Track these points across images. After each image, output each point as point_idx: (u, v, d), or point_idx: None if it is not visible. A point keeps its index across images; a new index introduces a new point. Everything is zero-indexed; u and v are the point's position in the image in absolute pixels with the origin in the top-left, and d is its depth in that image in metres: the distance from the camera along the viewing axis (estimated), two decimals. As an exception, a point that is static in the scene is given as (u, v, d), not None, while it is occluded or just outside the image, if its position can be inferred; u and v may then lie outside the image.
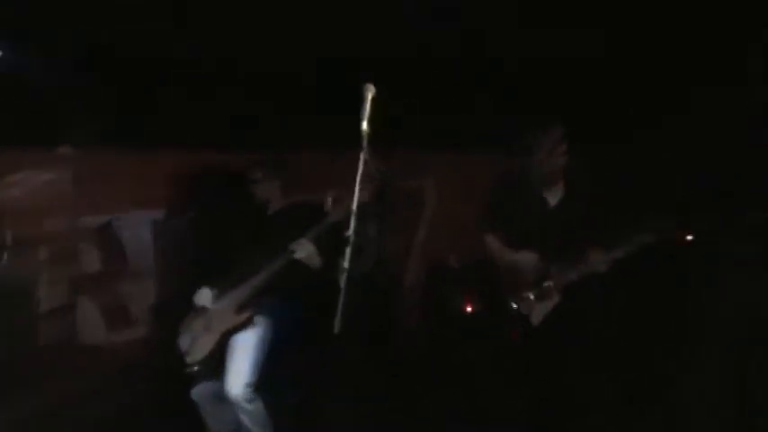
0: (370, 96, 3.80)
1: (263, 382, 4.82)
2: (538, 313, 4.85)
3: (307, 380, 5.25)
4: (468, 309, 6.26)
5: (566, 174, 4.92)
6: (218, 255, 5.20)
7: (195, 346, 4.88)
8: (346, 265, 3.77)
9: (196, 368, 4.82)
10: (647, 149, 5.81)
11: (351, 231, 3.79)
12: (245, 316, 4.88)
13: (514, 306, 4.92)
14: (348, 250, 3.77)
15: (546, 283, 4.85)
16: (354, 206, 3.84)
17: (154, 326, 6.15)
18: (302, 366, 5.23)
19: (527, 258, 4.87)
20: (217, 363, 4.85)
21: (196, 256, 5.92)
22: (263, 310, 4.95)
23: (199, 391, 4.87)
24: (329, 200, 4.93)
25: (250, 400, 4.73)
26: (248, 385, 4.75)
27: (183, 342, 4.94)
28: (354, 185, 3.87)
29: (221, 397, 4.79)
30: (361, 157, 3.80)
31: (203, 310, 5.00)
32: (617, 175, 5.21)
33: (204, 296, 5.02)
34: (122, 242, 6.19)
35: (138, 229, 6.22)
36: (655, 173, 5.69)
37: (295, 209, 5.18)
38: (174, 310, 5.14)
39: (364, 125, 3.79)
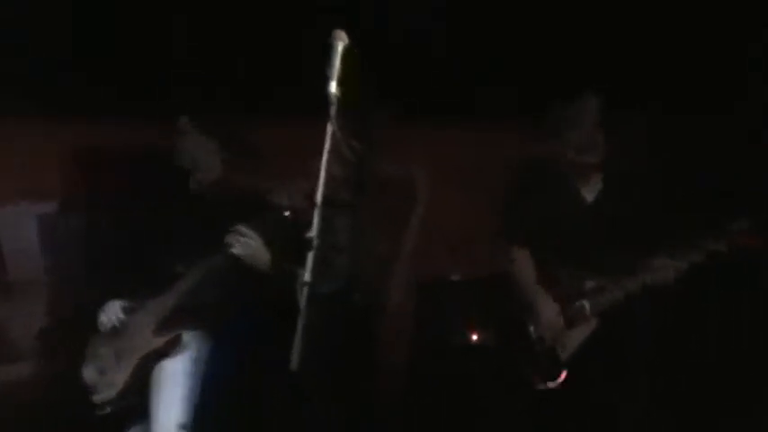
0: (340, 47, 3.83)
1: (200, 422, 4.87)
2: (568, 344, 4.94)
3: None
4: (474, 338, 6.31)
5: (605, 161, 5.01)
6: (128, 255, 5.19)
7: (105, 379, 4.90)
8: (308, 277, 3.78)
9: (108, 409, 4.86)
10: (714, 128, 6.00)
11: (314, 232, 3.79)
12: (167, 337, 4.93)
13: (535, 335, 5.02)
14: (310, 258, 3.78)
15: (579, 303, 4.94)
16: (319, 197, 3.85)
17: (45, 357, 6.14)
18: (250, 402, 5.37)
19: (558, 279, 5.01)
20: (135, 400, 4.89)
21: (100, 259, 5.87)
22: (193, 327, 4.99)
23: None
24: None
25: None
26: (181, 428, 4.82)
27: (89, 374, 4.96)
28: (318, 169, 3.87)
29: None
30: (329, 129, 3.82)
31: (112, 330, 5.02)
32: (676, 163, 5.36)
33: (112, 312, 5.04)
34: (-1, 245, 6.21)
35: (21, 227, 6.23)
36: (724, 159, 5.89)
37: (236, 191, 5.17)
38: (72, 335, 5.13)
39: (333, 86, 3.81)
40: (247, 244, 4.83)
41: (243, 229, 4.81)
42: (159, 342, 4.93)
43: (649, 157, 5.59)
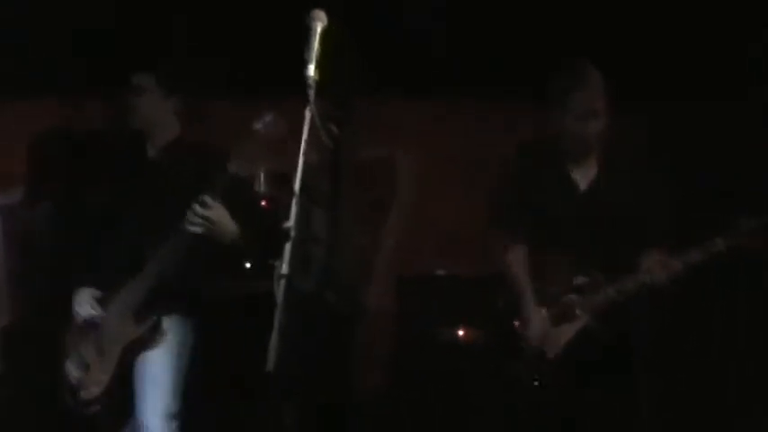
0: (319, 28, 3.77)
1: (190, 409, 4.90)
2: (554, 342, 4.89)
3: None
4: (461, 334, 6.29)
5: (604, 144, 4.92)
6: (97, 238, 5.13)
7: (89, 376, 4.89)
8: (285, 270, 3.71)
9: (97, 407, 4.86)
10: (725, 112, 5.99)
11: (291, 222, 3.73)
12: (147, 324, 4.88)
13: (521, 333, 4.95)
14: (287, 249, 3.71)
15: (567, 298, 4.90)
16: (297, 186, 3.77)
17: (13, 357, 6.12)
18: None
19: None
20: (123, 394, 4.88)
21: (66, 246, 5.86)
22: (172, 311, 4.94)
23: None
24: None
25: None
26: (170, 417, 4.84)
27: (72, 372, 4.94)
28: (296, 154, 3.72)
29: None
30: (307, 113, 3.75)
31: (90, 323, 4.98)
32: (681, 149, 5.37)
33: (85, 303, 4.99)
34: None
35: None
36: (734, 146, 5.84)
37: (196, 152, 5.07)
38: (41, 332, 5.16)
39: (311, 69, 3.74)
40: (209, 218, 4.73)
41: (204, 199, 4.72)
42: (139, 331, 4.89)
43: (651, 151, 5.51)
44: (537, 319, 4.91)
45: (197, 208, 4.71)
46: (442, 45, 6.34)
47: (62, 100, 6.46)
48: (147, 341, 4.89)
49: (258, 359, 3.63)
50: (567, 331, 4.87)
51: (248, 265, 5.71)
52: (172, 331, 4.95)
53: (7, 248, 6.27)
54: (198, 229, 4.74)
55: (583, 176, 4.97)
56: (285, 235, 3.70)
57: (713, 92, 6.10)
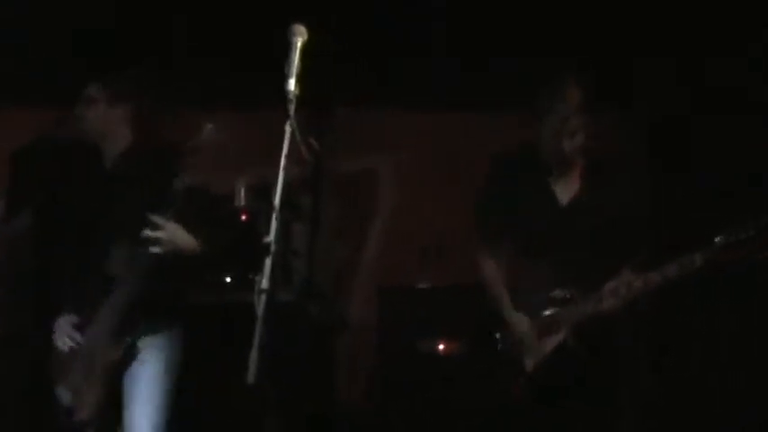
0: (299, 42, 3.77)
1: (178, 424, 4.89)
2: (536, 353, 4.86)
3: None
4: (441, 347, 6.28)
5: (585, 157, 4.89)
6: (66, 253, 5.10)
7: (79, 399, 4.87)
8: (266, 284, 3.70)
9: (91, 429, 4.85)
10: (715, 120, 6.01)
11: (272, 236, 3.72)
12: (123, 346, 4.86)
13: (502, 345, 4.93)
14: (269, 263, 3.70)
15: (550, 312, 4.88)
16: (277, 200, 3.77)
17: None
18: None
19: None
20: (113, 414, 4.88)
21: (44, 267, 5.85)
22: (148, 331, 4.91)
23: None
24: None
25: None
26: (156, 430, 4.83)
27: (64, 396, 4.92)
28: (275, 168, 3.72)
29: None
30: (287, 128, 3.74)
31: (74, 347, 4.95)
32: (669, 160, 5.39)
33: (65, 331, 4.97)
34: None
35: None
36: (725, 157, 5.87)
37: (152, 159, 4.99)
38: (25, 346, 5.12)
39: (291, 84, 3.73)
40: (161, 239, 4.71)
41: (153, 220, 4.70)
42: (117, 354, 4.87)
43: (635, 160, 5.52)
44: (520, 327, 4.89)
45: (148, 231, 4.70)
46: (427, 56, 6.34)
47: (36, 111, 6.43)
48: (125, 362, 4.88)
49: (240, 372, 3.64)
50: (549, 344, 4.85)
51: (228, 279, 5.70)
52: (159, 347, 4.94)
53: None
54: (156, 250, 4.72)
55: (564, 191, 4.95)
56: (265, 249, 3.69)
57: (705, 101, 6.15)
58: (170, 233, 4.72)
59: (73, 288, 5.02)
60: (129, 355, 4.88)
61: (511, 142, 5.12)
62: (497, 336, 4.96)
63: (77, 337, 4.95)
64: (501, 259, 5.04)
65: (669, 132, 6.51)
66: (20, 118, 6.50)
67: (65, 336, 4.96)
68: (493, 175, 5.10)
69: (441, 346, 6.29)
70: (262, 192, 5.71)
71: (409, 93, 6.50)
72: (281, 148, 3.68)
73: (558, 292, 4.87)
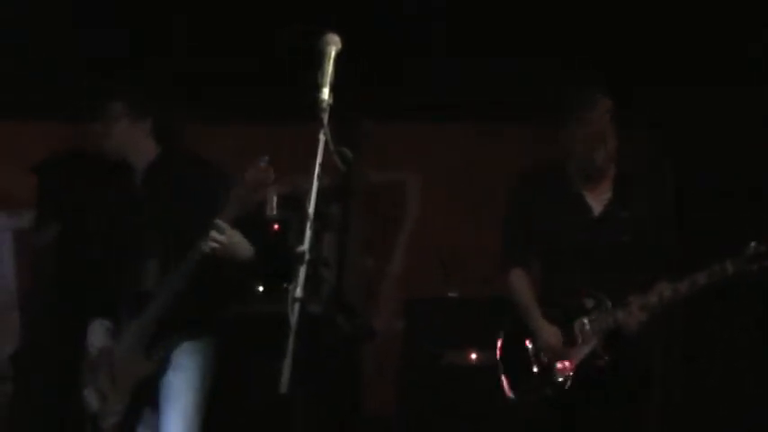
0: (333, 52, 3.78)
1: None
2: (566, 363, 4.82)
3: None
4: (473, 357, 6.28)
5: (618, 166, 4.88)
6: (97, 264, 5.15)
7: (106, 406, 4.90)
8: (299, 293, 3.70)
9: None
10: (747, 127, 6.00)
11: (306, 246, 3.71)
12: (156, 361, 4.86)
13: (533, 354, 4.91)
14: (302, 272, 3.70)
15: (579, 321, 4.84)
16: (311, 209, 3.76)
17: (19, 383, 6.15)
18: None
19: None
20: (136, 425, 4.91)
21: (70, 272, 5.86)
22: (183, 339, 4.91)
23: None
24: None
25: None
26: None
27: (91, 400, 4.95)
28: (308, 177, 3.70)
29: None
30: (321, 137, 3.74)
31: (104, 352, 4.97)
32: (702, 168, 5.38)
33: (98, 335, 5.00)
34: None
35: None
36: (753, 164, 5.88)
37: (167, 171, 5.00)
38: (52, 359, 5.11)
39: (325, 92, 3.75)
40: (226, 243, 4.66)
41: (219, 224, 4.64)
42: (149, 368, 4.87)
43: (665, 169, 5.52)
44: (550, 336, 4.88)
45: (212, 232, 4.65)
46: (449, 68, 6.34)
47: (68, 123, 6.46)
48: (157, 375, 4.88)
49: (270, 381, 3.65)
50: (579, 353, 4.84)
51: (260, 289, 5.69)
52: (194, 353, 4.93)
53: (18, 272, 6.26)
54: (211, 251, 4.67)
55: (596, 200, 4.94)
56: (299, 258, 3.71)
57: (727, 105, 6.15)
58: (230, 237, 4.68)
59: (105, 299, 5.05)
60: (160, 370, 4.88)
61: (538, 155, 5.13)
62: (528, 345, 4.95)
63: (110, 342, 4.97)
64: (529, 270, 5.04)
65: (689, 140, 6.49)
66: (35, 131, 6.49)
67: (99, 339, 4.99)
68: (521, 189, 5.11)
69: (473, 356, 6.29)
70: (292, 201, 5.73)
71: (436, 105, 6.48)
72: (310, 159, 3.63)
73: (588, 301, 4.86)
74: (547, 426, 4.92)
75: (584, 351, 4.84)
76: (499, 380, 5.03)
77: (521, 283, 5.01)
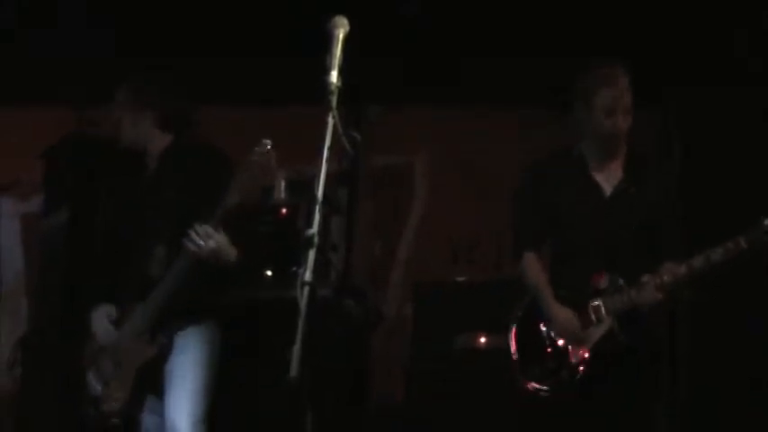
0: (341, 35, 3.76)
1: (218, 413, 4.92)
2: (582, 344, 4.84)
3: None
4: (482, 341, 6.26)
5: (630, 145, 4.88)
6: (105, 250, 5.17)
7: (109, 390, 4.91)
8: (308, 277, 3.68)
9: (116, 420, 4.87)
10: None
11: (314, 229, 3.69)
12: (159, 344, 4.87)
13: (548, 337, 4.92)
14: (311, 256, 3.68)
15: (594, 303, 4.84)
16: (320, 191, 3.74)
17: (27, 368, 6.14)
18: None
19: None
20: (139, 409, 4.93)
21: (78, 257, 5.86)
22: (187, 323, 4.93)
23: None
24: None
25: None
26: (198, 421, 4.84)
27: (92, 385, 4.96)
28: (316, 161, 3.65)
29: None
30: (329, 120, 3.72)
31: (107, 337, 4.97)
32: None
33: (102, 320, 5.00)
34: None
35: (2, 226, 6.23)
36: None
37: (179, 159, 5.03)
38: (58, 344, 5.11)
39: (333, 75, 3.73)
40: (210, 249, 4.69)
41: (205, 229, 4.67)
42: (152, 351, 4.89)
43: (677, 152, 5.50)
44: (565, 318, 4.89)
45: (197, 239, 4.68)
46: (458, 52, 6.32)
47: (77, 107, 6.46)
48: (160, 360, 4.89)
49: (279, 366, 3.64)
50: (594, 334, 4.84)
51: (269, 273, 5.69)
52: (198, 337, 4.96)
53: (27, 257, 6.27)
54: (200, 254, 4.70)
55: (606, 181, 4.94)
56: (308, 242, 3.69)
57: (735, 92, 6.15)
58: (215, 243, 4.69)
59: (111, 284, 5.06)
60: (162, 356, 4.89)
61: (548, 138, 5.11)
62: (542, 329, 4.96)
63: (113, 328, 4.98)
64: (541, 253, 5.04)
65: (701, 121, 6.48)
66: (43, 117, 6.50)
67: (102, 324, 4.99)
68: (531, 174, 5.12)
69: (482, 340, 6.25)
70: (300, 185, 5.73)
71: (443, 89, 6.46)
72: (317, 142, 3.63)
73: (602, 282, 4.86)
74: (562, 409, 4.89)
75: (599, 332, 4.85)
76: (513, 365, 5.03)
77: (534, 268, 5.01)
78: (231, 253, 4.76)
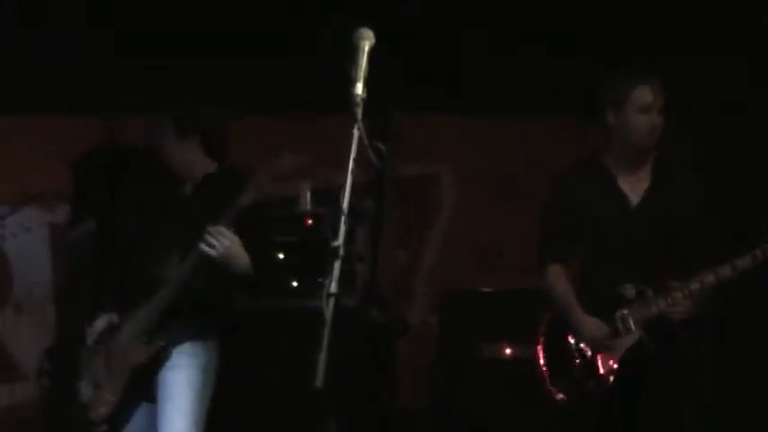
0: (366, 47, 3.76)
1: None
2: (610, 355, 4.84)
3: None
4: (508, 351, 6.26)
5: (659, 153, 4.89)
6: (124, 264, 5.16)
7: (98, 395, 4.91)
8: (334, 288, 3.69)
9: (104, 426, 4.86)
10: None
11: (340, 241, 3.70)
12: (154, 349, 4.86)
13: (575, 347, 4.90)
14: (337, 267, 3.69)
15: (620, 313, 4.83)
16: (345, 203, 3.76)
17: (54, 378, 6.14)
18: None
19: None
20: (128, 415, 4.89)
21: (99, 268, 5.88)
22: (184, 338, 4.90)
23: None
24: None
25: None
26: None
27: (84, 390, 4.96)
28: (342, 172, 3.67)
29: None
30: (355, 132, 3.73)
31: (102, 341, 4.99)
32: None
33: (98, 325, 5.01)
34: (6, 256, 6.20)
35: (30, 235, 6.23)
36: None
37: (218, 182, 5.02)
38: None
39: (359, 87, 3.73)
40: (218, 242, 4.68)
41: (219, 228, 4.69)
42: (150, 352, 4.88)
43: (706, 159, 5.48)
44: (594, 327, 4.87)
45: (210, 239, 4.69)
46: (483, 60, 6.32)
47: (105, 118, 6.48)
48: (153, 365, 4.88)
49: (302, 376, 3.64)
50: (623, 344, 4.84)
51: (295, 284, 5.69)
52: (193, 354, 4.92)
53: (55, 267, 6.27)
54: (212, 253, 4.71)
55: (633, 191, 4.94)
56: (333, 253, 3.70)
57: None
58: (228, 242, 4.70)
59: (120, 291, 5.07)
60: (158, 359, 4.88)
61: (576, 146, 5.09)
62: (570, 340, 4.95)
63: (109, 333, 4.97)
64: (567, 265, 5.04)
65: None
66: (72, 126, 6.54)
67: (95, 333, 5.01)
68: (559, 185, 5.12)
69: (507, 350, 6.27)
70: (326, 195, 5.75)
71: (469, 98, 6.46)
72: (344, 153, 3.64)
73: (629, 292, 4.85)
74: (589, 420, 4.92)
75: (628, 342, 4.84)
76: (542, 377, 5.02)
77: (559, 280, 5.01)
78: (243, 257, 4.76)
